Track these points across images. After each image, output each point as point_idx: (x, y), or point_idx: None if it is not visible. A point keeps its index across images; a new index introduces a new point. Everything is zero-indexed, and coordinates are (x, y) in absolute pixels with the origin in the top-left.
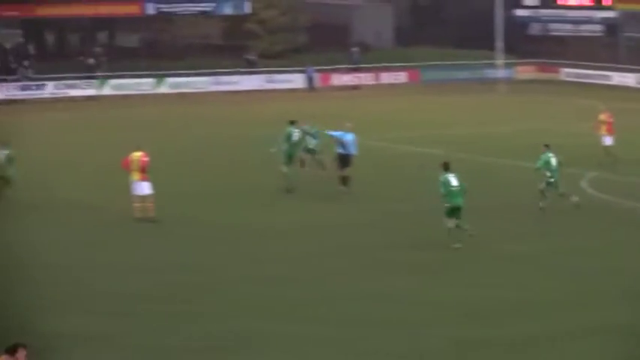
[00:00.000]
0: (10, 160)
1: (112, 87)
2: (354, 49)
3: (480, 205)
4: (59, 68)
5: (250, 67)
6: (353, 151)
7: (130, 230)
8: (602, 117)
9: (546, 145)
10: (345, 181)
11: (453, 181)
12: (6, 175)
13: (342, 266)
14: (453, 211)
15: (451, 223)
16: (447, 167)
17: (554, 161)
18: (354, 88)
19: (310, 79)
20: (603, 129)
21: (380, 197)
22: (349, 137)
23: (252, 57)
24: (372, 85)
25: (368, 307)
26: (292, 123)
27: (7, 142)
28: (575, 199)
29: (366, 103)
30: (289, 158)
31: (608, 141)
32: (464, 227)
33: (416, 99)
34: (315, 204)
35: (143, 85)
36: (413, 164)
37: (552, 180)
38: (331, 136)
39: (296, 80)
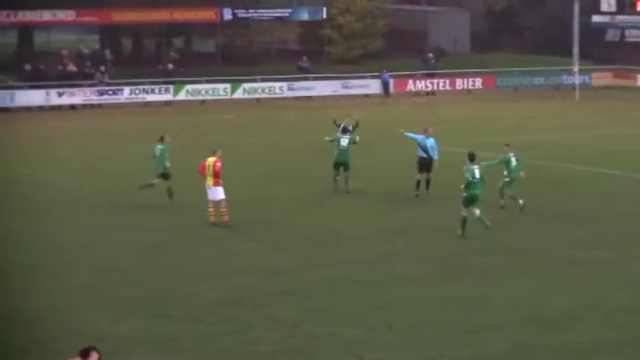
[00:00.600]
0: (162, 153)
1: (187, 92)
2: (430, 56)
3: (553, 211)
4: (135, 73)
5: (303, 73)
6: (434, 155)
7: (202, 234)
8: None
9: (507, 145)
10: (427, 184)
11: (477, 173)
12: (166, 170)
13: (413, 271)
14: (469, 201)
15: (465, 212)
16: (472, 158)
17: (513, 161)
18: (429, 94)
19: (385, 85)
20: None
21: (452, 202)
22: (430, 141)
23: (304, 64)
24: (448, 91)
25: (434, 311)
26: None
27: (163, 137)
28: (521, 202)
29: (441, 109)
30: (338, 165)
31: None
32: (484, 220)
33: (491, 105)
34: (388, 209)
35: (219, 90)
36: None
37: (508, 179)
38: (412, 138)
39: (371, 86)
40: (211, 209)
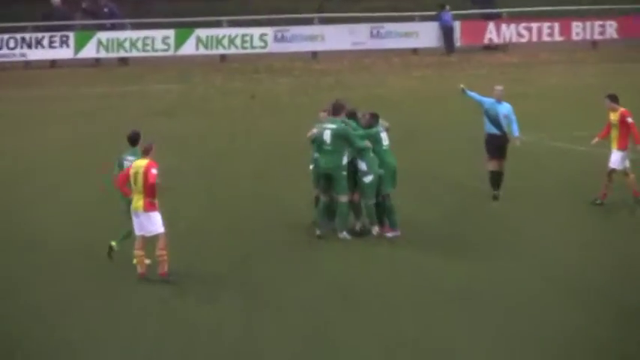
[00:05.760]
0: None
1: (100, 44)
2: None
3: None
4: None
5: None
6: (514, 130)
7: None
8: None
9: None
10: (497, 182)
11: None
12: None
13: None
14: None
15: None
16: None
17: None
18: None
19: None
20: None
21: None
22: (504, 108)
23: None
24: None
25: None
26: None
27: None
28: None
29: None
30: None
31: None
32: None
33: None
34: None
35: (156, 41)
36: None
37: None
38: (478, 101)
39: None
40: (140, 251)
